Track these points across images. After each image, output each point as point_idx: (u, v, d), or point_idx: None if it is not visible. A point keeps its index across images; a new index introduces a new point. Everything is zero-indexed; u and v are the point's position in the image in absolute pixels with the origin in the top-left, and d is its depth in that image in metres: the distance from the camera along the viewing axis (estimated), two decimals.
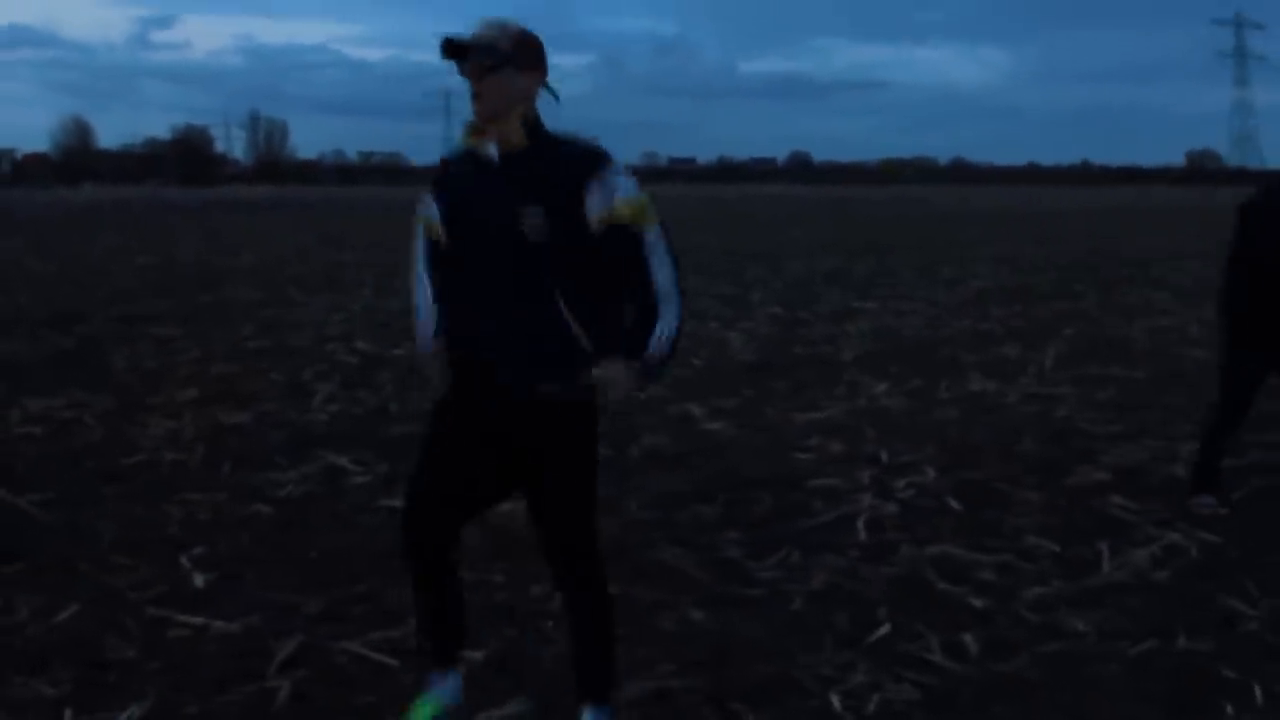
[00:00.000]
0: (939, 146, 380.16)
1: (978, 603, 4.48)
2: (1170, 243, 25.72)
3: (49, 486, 5.93)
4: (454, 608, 3.33)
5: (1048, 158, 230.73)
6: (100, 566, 4.82)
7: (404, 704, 3.39)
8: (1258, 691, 3.72)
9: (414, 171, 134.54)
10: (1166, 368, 9.61)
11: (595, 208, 2.97)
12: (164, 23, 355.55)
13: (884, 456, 6.61)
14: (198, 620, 4.27)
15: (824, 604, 4.47)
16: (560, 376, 3.02)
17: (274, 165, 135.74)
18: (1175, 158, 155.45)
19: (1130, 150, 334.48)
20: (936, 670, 3.90)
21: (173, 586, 4.63)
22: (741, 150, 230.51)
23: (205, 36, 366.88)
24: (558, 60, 3.20)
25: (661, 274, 3.04)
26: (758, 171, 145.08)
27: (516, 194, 2.99)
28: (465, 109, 3.05)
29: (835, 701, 3.67)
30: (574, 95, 3.15)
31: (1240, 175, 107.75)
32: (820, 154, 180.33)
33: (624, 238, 3.00)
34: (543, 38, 3.11)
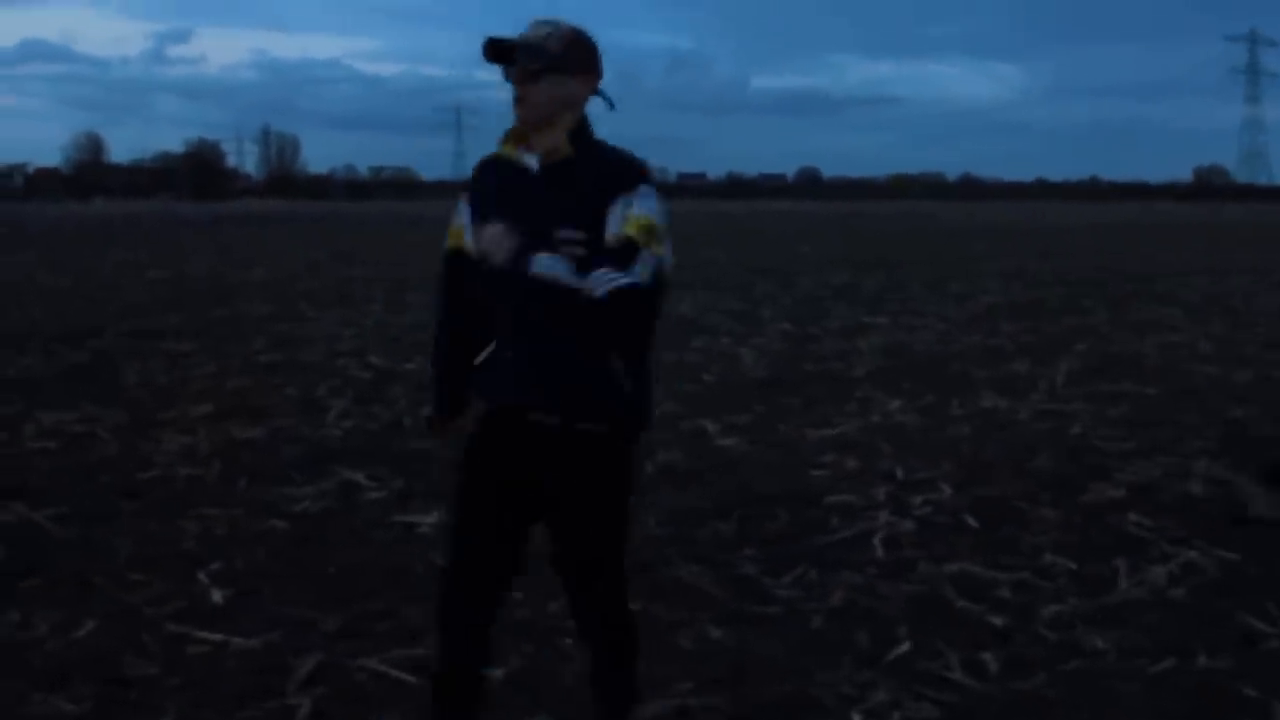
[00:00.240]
0: (948, 162, 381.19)
1: (996, 620, 4.47)
2: (1178, 258, 25.69)
3: (64, 501, 5.94)
4: None
5: (1056, 173, 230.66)
6: (117, 582, 4.83)
7: None
8: (1278, 711, 3.71)
9: (424, 186, 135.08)
10: (1178, 384, 9.58)
11: (614, 225, 2.72)
12: (180, 37, 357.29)
13: (899, 473, 6.60)
14: (217, 636, 4.27)
15: (842, 621, 4.47)
16: (598, 412, 2.83)
17: (285, 180, 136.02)
18: (1183, 173, 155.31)
19: (1138, 166, 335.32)
20: (956, 688, 3.90)
21: (191, 602, 4.63)
22: (751, 166, 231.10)
23: (220, 51, 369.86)
24: None
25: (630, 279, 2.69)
26: (767, 187, 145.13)
27: (553, 212, 2.74)
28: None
29: None
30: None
31: (1249, 191, 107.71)
32: (830, 170, 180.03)
33: (626, 248, 2.72)
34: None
